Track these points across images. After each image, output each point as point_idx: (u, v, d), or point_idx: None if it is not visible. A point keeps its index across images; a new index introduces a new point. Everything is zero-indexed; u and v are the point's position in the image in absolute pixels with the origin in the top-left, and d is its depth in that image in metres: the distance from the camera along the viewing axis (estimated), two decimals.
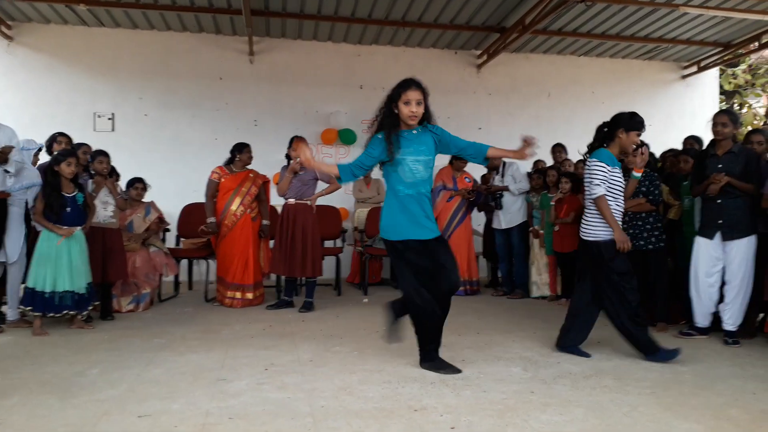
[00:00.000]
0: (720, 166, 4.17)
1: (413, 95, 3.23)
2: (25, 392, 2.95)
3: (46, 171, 4.44)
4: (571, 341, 3.85)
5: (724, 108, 4.43)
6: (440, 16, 7.50)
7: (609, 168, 3.68)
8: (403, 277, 3.37)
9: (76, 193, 4.52)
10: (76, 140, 5.37)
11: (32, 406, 2.75)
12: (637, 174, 3.97)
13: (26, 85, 7.44)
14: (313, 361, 3.61)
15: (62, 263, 4.36)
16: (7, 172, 4.41)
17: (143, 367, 3.44)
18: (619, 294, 3.67)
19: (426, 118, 3.37)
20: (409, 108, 3.24)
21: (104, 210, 4.96)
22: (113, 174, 5.26)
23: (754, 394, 3.02)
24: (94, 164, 4.98)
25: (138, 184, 5.80)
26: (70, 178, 4.48)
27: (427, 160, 3.39)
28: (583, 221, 3.83)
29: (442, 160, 7.38)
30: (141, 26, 7.83)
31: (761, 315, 4.49)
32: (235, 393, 2.98)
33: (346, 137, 8.29)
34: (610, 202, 3.66)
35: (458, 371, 3.33)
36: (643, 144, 3.96)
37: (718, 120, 4.21)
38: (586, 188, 3.75)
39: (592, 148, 3.86)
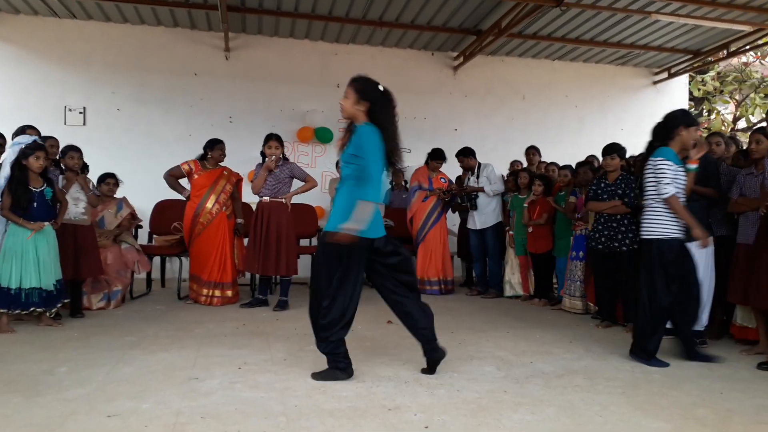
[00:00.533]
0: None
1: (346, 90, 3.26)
2: None
3: (13, 165, 4.32)
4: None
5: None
6: (417, 17, 7.53)
7: (675, 166, 3.68)
8: None
9: (45, 187, 4.41)
10: (45, 134, 5.24)
11: None
12: (693, 166, 3.85)
13: None
14: (286, 360, 3.58)
15: (29, 259, 4.26)
16: None
17: (113, 366, 3.38)
18: (653, 294, 3.67)
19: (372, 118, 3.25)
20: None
21: (75, 206, 4.85)
22: (84, 169, 5.15)
23: (721, 393, 3.09)
24: (66, 159, 4.87)
25: (110, 179, 5.71)
26: (39, 172, 4.37)
27: (346, 156, 3.25)
28: (643, 221, 3.80)
29: (419, 160, 7.45)
30: (114, 19, 7.68)
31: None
32: (207, 392, 2.95)
33: (322, 136, 8.26)
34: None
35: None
36: None
37: None
38: (652, 188, 3.72)
39: (652, 148, 3.85)
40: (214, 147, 5.69)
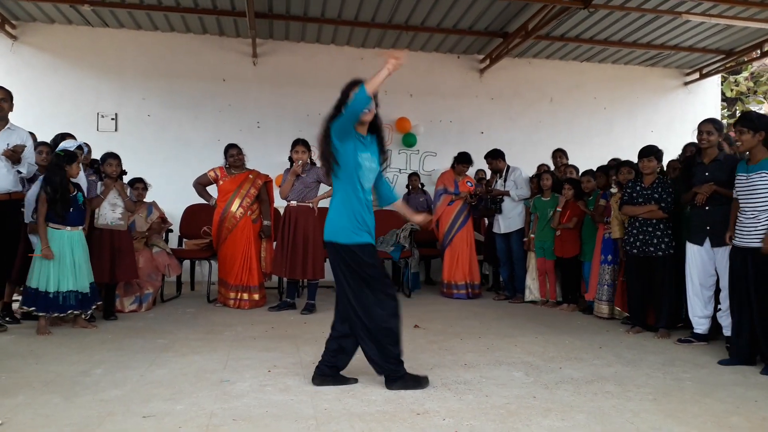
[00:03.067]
0: (707, 174, 4.22)
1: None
2: (29, 391, 2.96)
3: (50, 172, 4.40)
4: None
5: (710, 117, 4.43)
6: (443, 20, 7.53)
7: None
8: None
9: (77, 192, 4.51)
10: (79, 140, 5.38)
11: (37, 406, 2.76)
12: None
13: (30, 85, 7.44)
14: (315, 363, 3.59)
15: (66, 263, 4.37)
16: (19, 172, 4.43)
17: (146, 368, 3.45)
18: None
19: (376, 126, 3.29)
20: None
21: (112, 212, 4.97)
22: (122, 175, 5.27)
23: (756, 401, 3.03)
24: (104, 167, 5.00)
25: (138, 184, 5.82)
26: (74, 178, 4.46)
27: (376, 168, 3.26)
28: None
29: (445, 163, 7.45)
30: (145, 27, 7.85)
31: None
32: (238, 394, 3.00)
33: None
34: None
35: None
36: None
37: (703, 128, 4.26)
38: None
39: None
40: (227, 152, 5.82)
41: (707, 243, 4.18)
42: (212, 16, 7.41)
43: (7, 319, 4.66)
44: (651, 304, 4.77)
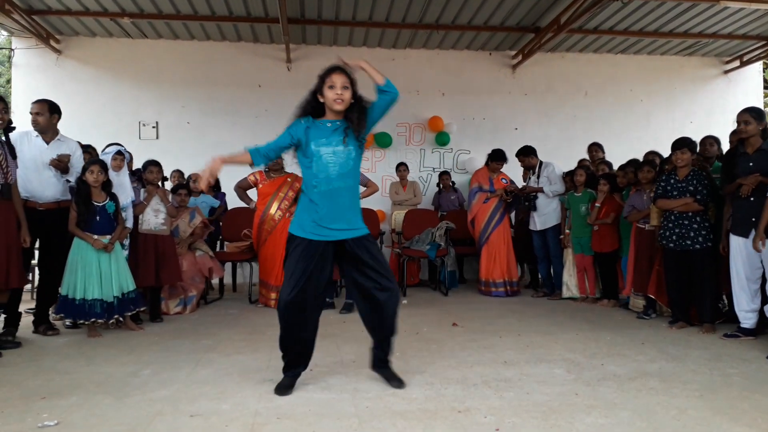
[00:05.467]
0: (751, 164, 4.11)
1: (338, 79, 3.03)
2: (82, 392, 3.07)
3: (77, 181, 4.52)
4: None
5: (748, 107, 4.36)
6: (474, 17, 7.50)
7: None
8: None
9: (107, 201, 4.53)
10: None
11: (89, 406, 2.86)
12: None
13: (74, 96, 7.71)
14: (356, 362, 3.66)
15: (92, 271, 4.41)
16: (68, 181, 4.60)
17: (192, 368, 3.55)
18: None
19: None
20: (334, 92, 3.02)
21: (155, 218, 5.11)
22: (163, 182, 5.41)
23: None
24: (146, 174, 5.14)
25: (181, 190, 5.96)
26: (96, 186, 4.46)
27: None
28: None
29: (479, 161, 7.42)
30: (182, 37, 8.05)
31: None
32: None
33: (381, 141, 8.36)
34: None
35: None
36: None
37: (740, 118, 4.17)
38: None
39: None
40: None
41: (753, 235, 4.08)
42: (246, 24, 7.55)
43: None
44: (692, 299, 4.67)
